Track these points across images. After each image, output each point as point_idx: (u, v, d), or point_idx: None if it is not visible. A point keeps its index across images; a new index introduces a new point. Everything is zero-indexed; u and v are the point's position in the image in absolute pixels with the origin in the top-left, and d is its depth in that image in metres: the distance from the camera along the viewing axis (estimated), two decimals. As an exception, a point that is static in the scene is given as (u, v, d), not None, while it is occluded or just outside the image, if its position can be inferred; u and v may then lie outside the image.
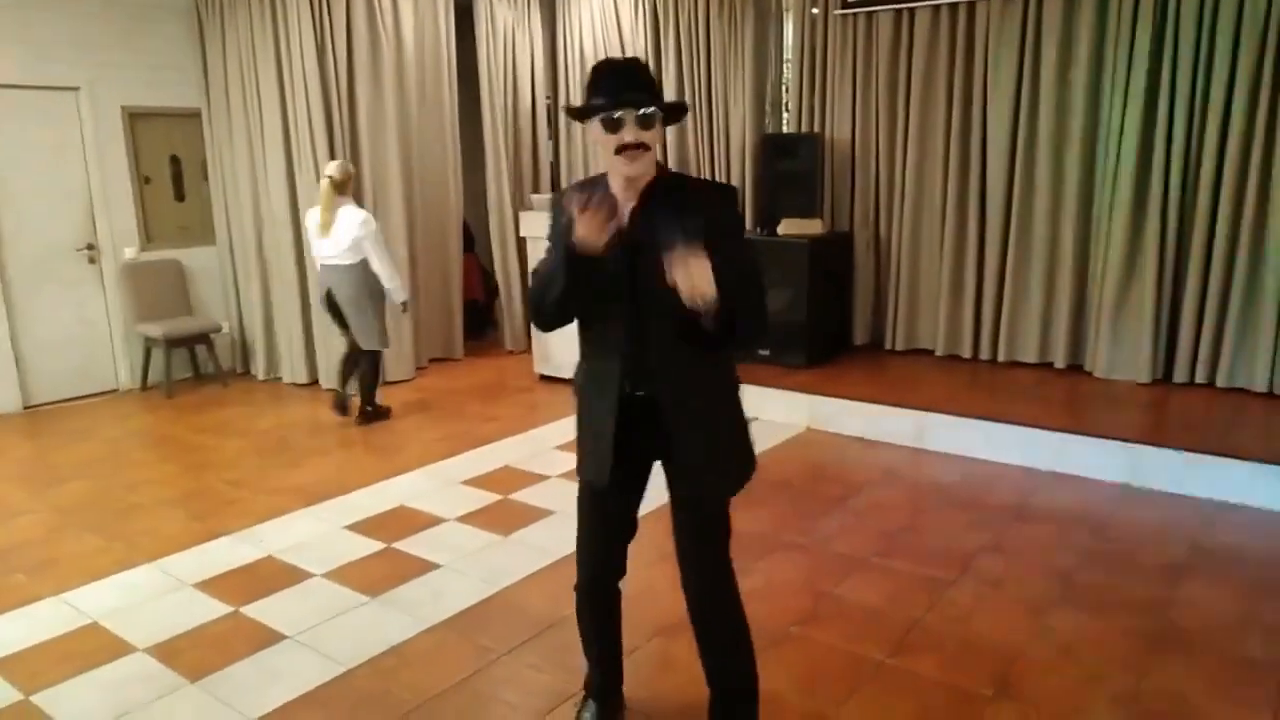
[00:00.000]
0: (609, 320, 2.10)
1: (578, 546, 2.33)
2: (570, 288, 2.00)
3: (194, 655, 2.95)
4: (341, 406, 5.38)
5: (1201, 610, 3.08)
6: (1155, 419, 4.67)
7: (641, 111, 1.95)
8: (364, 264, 5.08)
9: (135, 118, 6.32)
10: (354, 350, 5.33)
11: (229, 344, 6.81)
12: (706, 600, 2.23)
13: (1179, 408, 4.81)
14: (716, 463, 2.14)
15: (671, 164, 6.73)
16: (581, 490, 2.28)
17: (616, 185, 2.06)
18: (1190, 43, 4.79)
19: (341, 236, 5.00)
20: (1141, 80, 4.93)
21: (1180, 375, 5.08)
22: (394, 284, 5.18)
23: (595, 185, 2.10)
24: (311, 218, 5.14)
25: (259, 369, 6.67)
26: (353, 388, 5.44)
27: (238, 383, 6.61)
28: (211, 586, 3.42)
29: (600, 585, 2.35)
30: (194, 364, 6.64)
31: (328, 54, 5.92)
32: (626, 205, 2.05)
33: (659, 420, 2.09)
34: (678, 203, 2.03)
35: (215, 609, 3.25)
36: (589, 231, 1.92)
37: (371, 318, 5.19)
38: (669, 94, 6.73)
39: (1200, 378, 5.01)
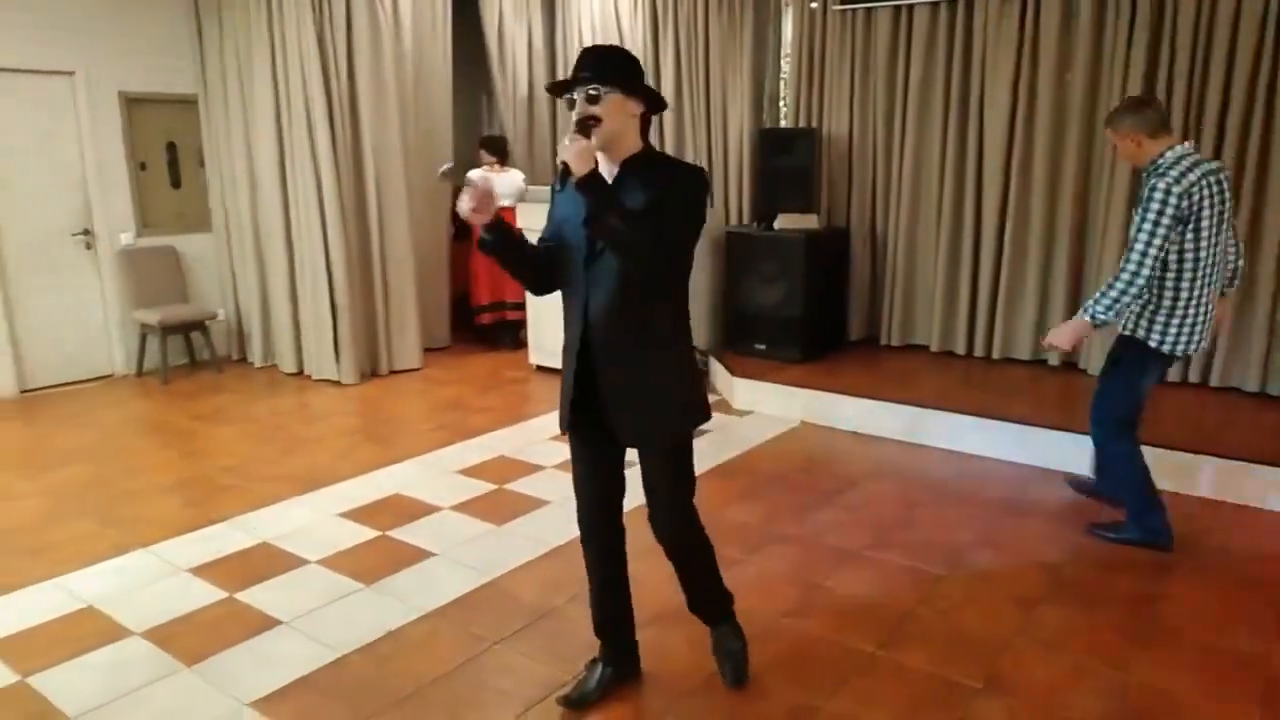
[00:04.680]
0: (573, 293, 2.31)
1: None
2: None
3: (189, 640, 2.96)
4: None
5: (1188, 605, 3.11)
6: (1147, 417, 4.68)
7: (589, 90, 2.13)
8: None
9: (132, 103, 6.30)
10: None
11: (225, 331, 6.81)
12: (664, 530, 2.45)
13: (1170, 406, 4.83)
14: (649, 418, 2.32)
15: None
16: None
17: (601, 161, 2.22)
18: (1187, 46, 4.81)
19: None
20: (1138, 84, 4.95)
21: (1173, 374, 5.11)
22: None
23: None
24: None
25: (255, 356, 6.67)
26: None
27: (233, 369, 6.61)
28: (206, 572, 3.44)
29: (587, 526, 2.52)
30: (190, 351, 6.64)
31: (327, 42, 5.90)
32: (607, 177, 2.20)
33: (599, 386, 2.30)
34: (645, 177, 2.19)
35: (210, 594, 3.26)
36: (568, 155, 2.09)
37: None
38: (667, 88, 6.74)
39: (1194, 378, 5.06)
